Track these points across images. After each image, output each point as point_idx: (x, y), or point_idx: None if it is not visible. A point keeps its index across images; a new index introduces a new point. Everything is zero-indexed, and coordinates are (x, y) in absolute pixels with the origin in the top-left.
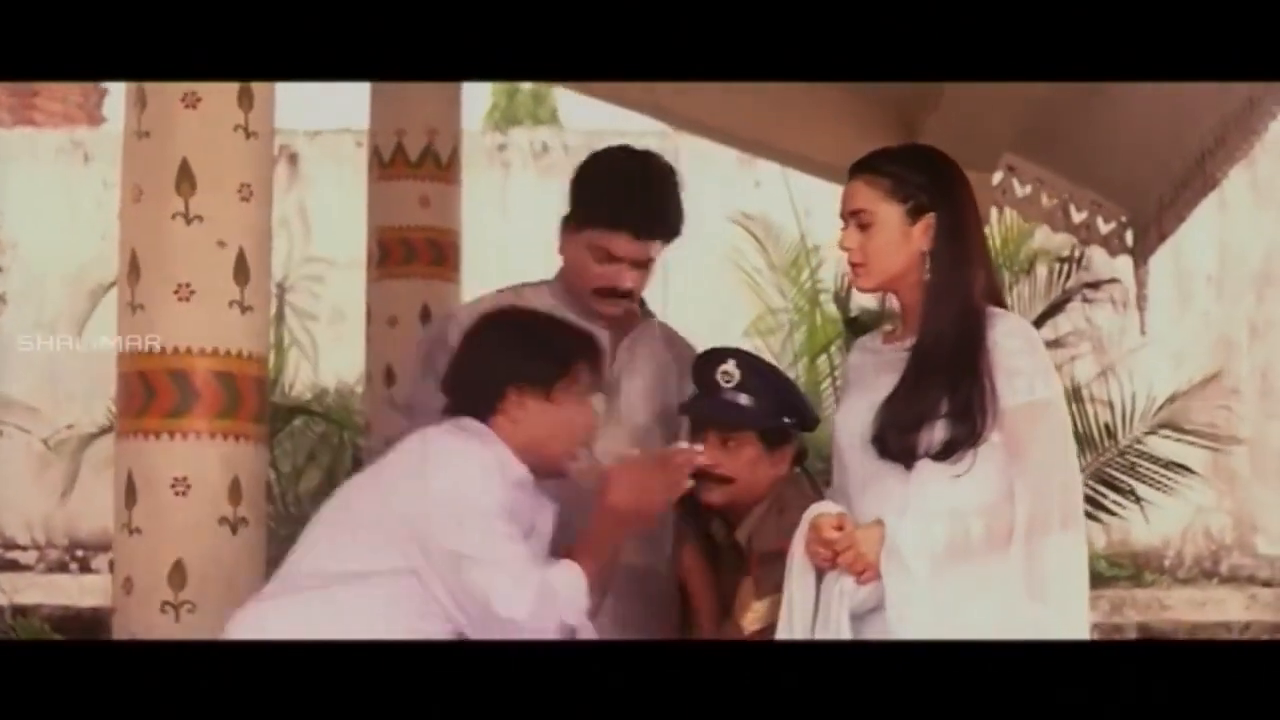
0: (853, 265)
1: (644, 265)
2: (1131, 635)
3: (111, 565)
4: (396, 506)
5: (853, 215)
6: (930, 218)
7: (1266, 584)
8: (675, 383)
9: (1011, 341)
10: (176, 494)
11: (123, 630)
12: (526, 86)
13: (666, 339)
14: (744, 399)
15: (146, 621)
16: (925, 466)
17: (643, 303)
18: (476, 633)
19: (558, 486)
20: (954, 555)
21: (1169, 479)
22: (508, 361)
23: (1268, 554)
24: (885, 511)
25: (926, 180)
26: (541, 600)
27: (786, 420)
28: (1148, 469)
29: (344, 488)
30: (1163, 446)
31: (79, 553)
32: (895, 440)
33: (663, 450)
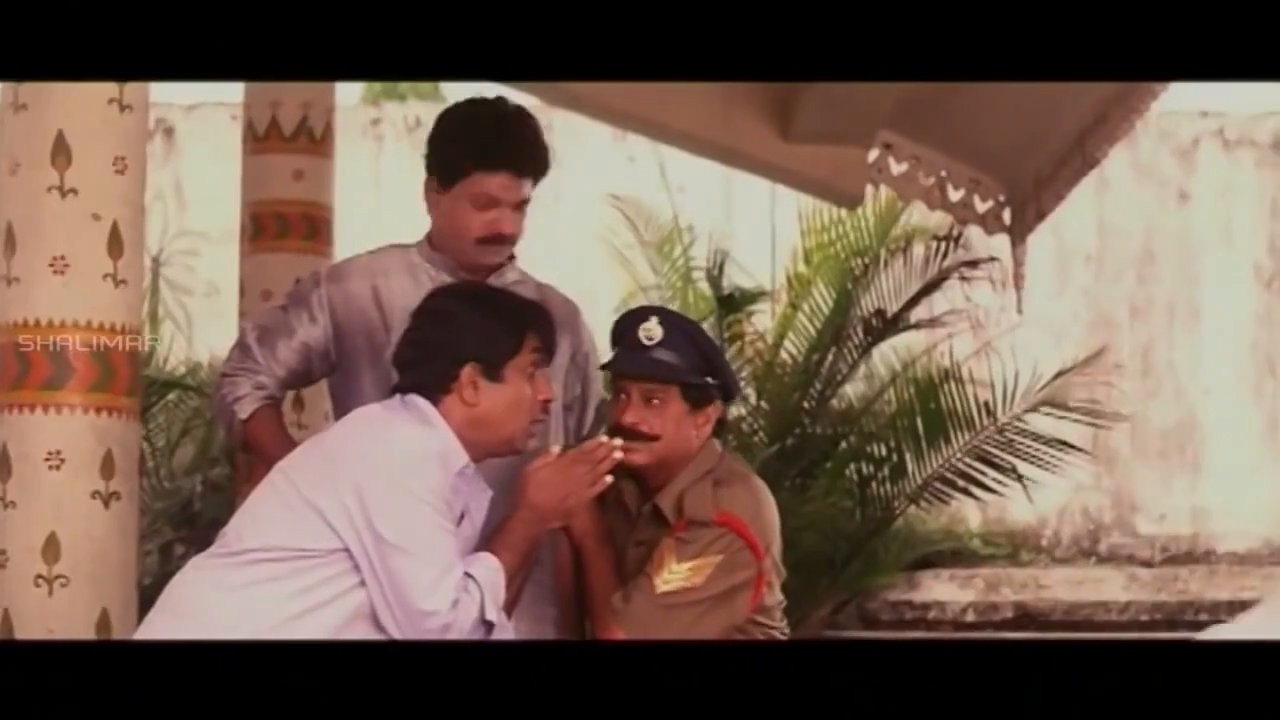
0: None
1: (521, 207)
2: (1008, 615)
3: None
4: (334, 484)
5: None
6: None
7: (1146, 564)
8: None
9: None
10: (50, 467)
11: None
12: None
13: (537, 288)
14: (666, 355)
15: (20, 595)
16: None
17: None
18: (393, 620)
19: (496, 472)
20: None
21: (1050, 456)
22: (460, 340)
23: (1147, 533)
24: None
25: None
26: (461, 595)
27: (710, 380)
28: (1027, 446)
29: (293, 454)
30: (1043, 424)
31: None
32: None
33: (582, 445)
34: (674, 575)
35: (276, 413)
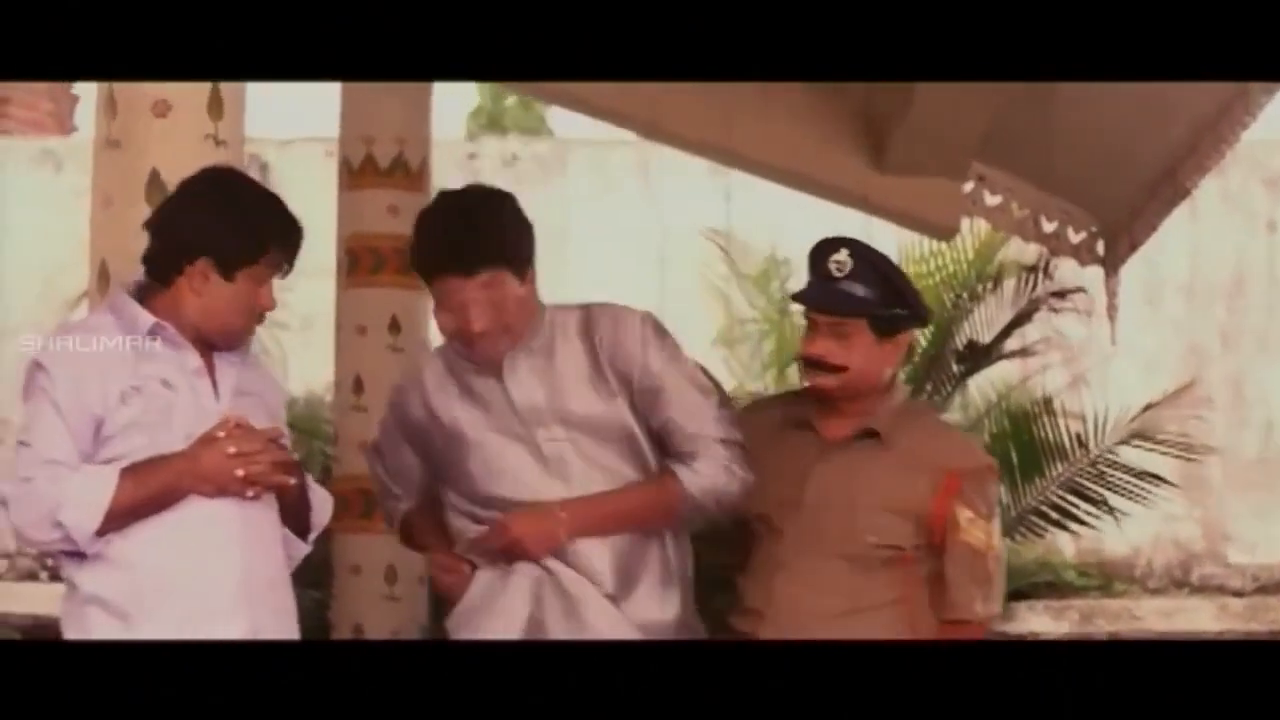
0: None
1: (488, 298)
2: None
3: None
4: None
5: None
6: None
7: (1237, 594)
8: (583, 371)
9: None
10: None
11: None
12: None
13: (576, 327)
14: (855, 287)
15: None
16: None
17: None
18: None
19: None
20: None
21: (1141, 488)
22: (205, 231)
23: (1238, 563)
24: None
25: None
26: (38, 474)
27: (899, 311)
28: (1119, 478)
29: None
30: (1134, 456)
31: (49, 561)
32: None
33: (264, 431)
34: (985, 531)
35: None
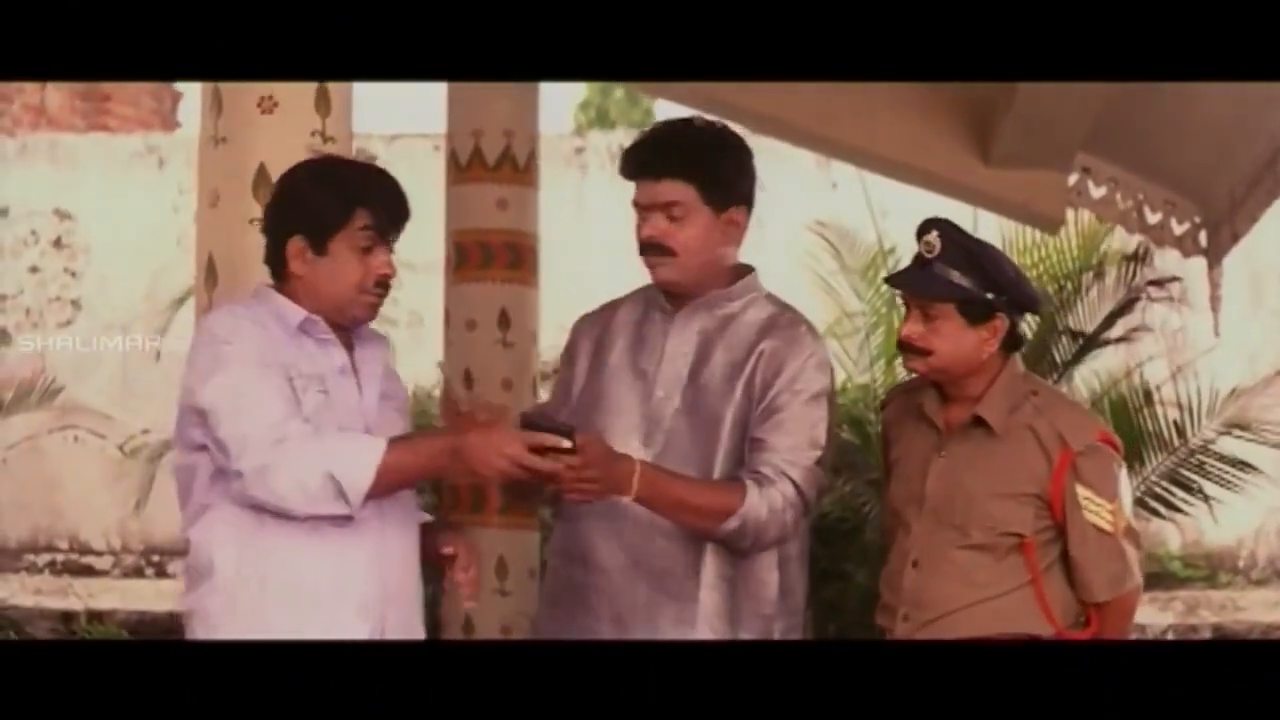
0: None
1: (670, 212)
2: (1206, 636)
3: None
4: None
5: None
6: None
7: None
8: (733, 363)
9: None
10: None
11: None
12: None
13: (760, 322)
14: (944, 270)
15: None
16: None
17: (751, 273)
18: (249, 490)
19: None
20: None
21: (1239, 478)
22: (289, 213)
23: None
24: None
25: None
26: (289, 433)
27: (990, 296)
28: (1217, 468)
29: None
30: (1233, 446)
31: (154, 558)
32: None
33: (538, 436)
34: (1107, 509)
35: None
